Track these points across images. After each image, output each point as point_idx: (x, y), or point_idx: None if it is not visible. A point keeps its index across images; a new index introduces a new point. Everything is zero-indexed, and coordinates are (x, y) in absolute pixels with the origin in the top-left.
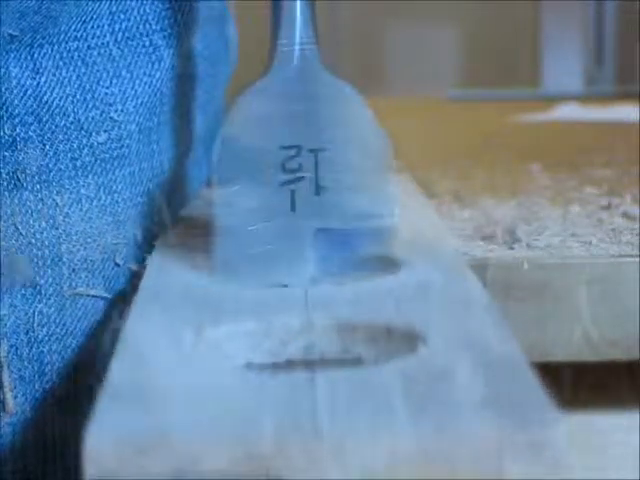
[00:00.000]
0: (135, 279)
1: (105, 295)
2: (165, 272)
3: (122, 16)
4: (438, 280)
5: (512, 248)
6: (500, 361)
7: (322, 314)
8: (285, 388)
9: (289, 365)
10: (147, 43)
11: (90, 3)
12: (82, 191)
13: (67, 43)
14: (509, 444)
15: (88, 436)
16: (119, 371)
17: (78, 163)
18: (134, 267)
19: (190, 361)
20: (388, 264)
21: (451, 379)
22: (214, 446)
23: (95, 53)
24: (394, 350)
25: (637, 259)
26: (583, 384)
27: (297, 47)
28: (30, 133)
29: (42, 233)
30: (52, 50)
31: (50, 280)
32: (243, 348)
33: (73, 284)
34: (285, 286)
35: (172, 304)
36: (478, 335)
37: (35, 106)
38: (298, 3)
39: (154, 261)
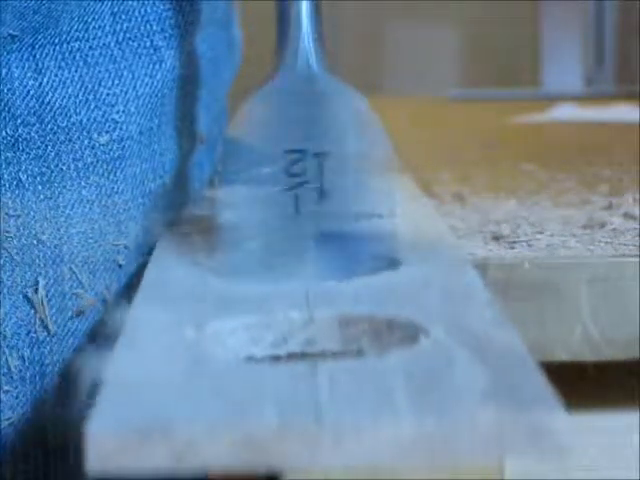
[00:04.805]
0: (137, 280)
1: (106, 296)
2: (166, 270)
3: (123, 17)
4: (439, 276)
5: (512, 248)
6: (500, 350)
7: (323, 308)
8: (286, 377)
9: (290, 358)
10: (148, 44)
11: (92, 3)
12: (84, 192)
13: (69, 43)
14: (510, 430)
15: (90, 424)
16: (121, 362)
17: (80, 164)
18: (136, 268)
19: (191, 352)
20: (389, 263)
21: (452, 368)
22: (214, 433)
23: (97, 53)
24: (395, 342)
25: (637, 259)
26: (583, 384)
27: (303, 50)
28: (32, 134)
29: (43, 234)
30: (54, 50)
31: (52, 281)
32: (244, 341)
33: (74, 285)
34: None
35: (173, 300)
36: (479, 326)
37: (37, 107)
38: (304, 4)
39: (155, 260)
